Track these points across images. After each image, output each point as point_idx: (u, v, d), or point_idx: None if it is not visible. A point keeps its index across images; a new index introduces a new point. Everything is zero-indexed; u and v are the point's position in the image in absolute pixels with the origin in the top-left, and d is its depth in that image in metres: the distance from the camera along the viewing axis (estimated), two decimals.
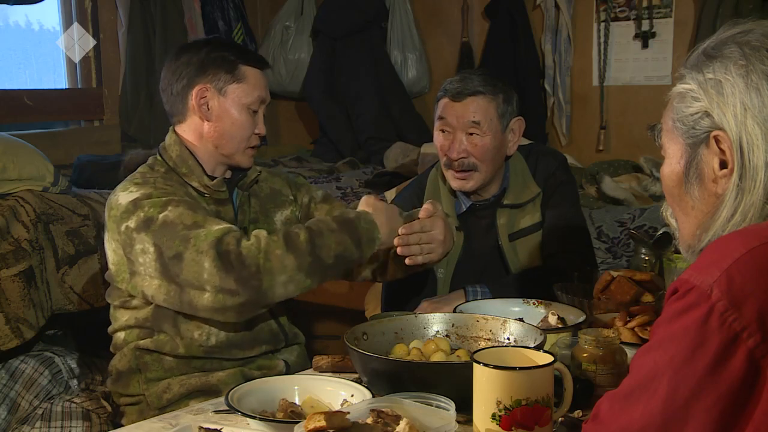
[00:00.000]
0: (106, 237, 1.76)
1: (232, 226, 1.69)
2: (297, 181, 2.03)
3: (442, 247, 1.80)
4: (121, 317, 1.82)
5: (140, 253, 1.67)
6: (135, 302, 1.78)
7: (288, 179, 2.02)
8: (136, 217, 1.67)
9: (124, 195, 1.72)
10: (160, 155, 1.85)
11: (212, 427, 1.18)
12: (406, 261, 1.78)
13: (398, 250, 1.77)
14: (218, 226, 1.65)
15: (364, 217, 1.74)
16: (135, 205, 1.69)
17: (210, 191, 1.81)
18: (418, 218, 1.80)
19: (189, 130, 1.84)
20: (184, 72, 1.81)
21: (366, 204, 1.80)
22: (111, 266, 1.77)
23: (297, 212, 1.97)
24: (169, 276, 1.64)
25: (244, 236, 1.66)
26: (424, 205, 1.81)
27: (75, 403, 2.45)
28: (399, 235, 1.77)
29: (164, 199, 1.69)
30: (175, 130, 1.86)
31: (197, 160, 1.82)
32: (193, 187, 1.80)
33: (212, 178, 1.82)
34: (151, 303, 1.75)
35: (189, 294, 1.62)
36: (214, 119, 1.81)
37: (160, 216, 1.65)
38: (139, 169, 1.84)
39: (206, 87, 1.80)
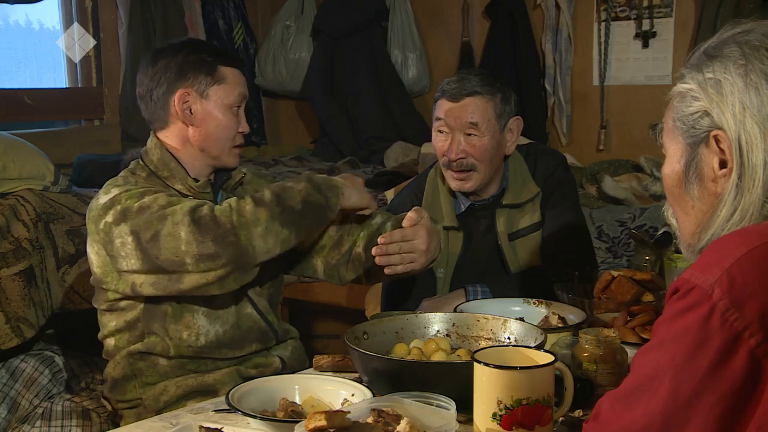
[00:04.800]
0: (88, 241, 1.76)
1: (208, 201, 1.69)
2: None
3: (425, 256, 1.74)
4: (109, 322, 1.81)
5: (121, 247, 1.66)
6: (123, 304, 1.77)
7: (272, 182, 2.00)
8: (113, 211, 1.68)
9: (104, 197, 1.73)
10: (142, 159, 1.83)
11: (213, 426, 1.18)
12: (385, 271, 1.73)
13: (377, 260, 1.72)
14: (193, 202, 1.66)
15: (314, 173, 1.76)
16: (112, 201, 1.70)
17: (194, 192, 1.80)
18: (401, 227, 1.75)
19: (172, 135, 1.82)
20: (163, 78, 1.79)
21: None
22: (96, 270, 1.76)
23: None
24: (149, 260, 1.63)
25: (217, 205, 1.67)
26: (408, 214, 1.76)
27: (75, 402, 2.45)
28: (378, 244, 1.71)
29: (141, 190, 1.70)
30: (156, 135, 1.84)
31: (179, 163, 1.81)
32: (176, 190, 1.79)
33: (196, 180, 1.81)
34: (140, 304, 1.74)
35: (174, 275, 1.63)
36: (197, 123, 1.79)
37: (136, 204, 1.66)
38: (121, 173, 1.82)
39: (187, 91, 1.78)
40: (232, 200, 1.67)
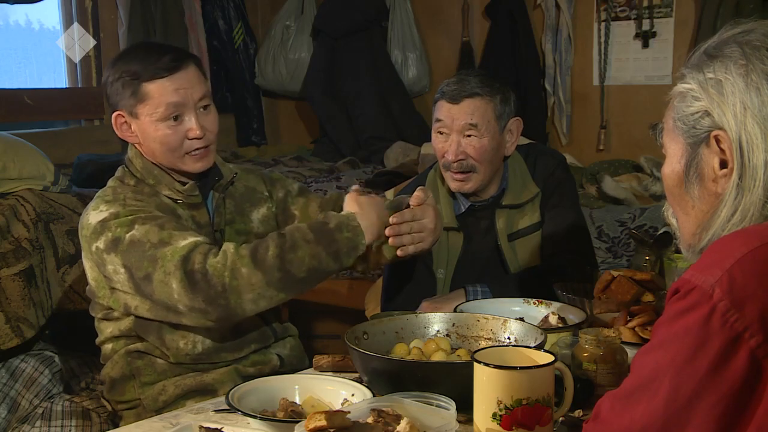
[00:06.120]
0: (83, 254, 1.76)
1: (199, 238, 1.65)
2: (272, 177, 1.99)
3: (433, 235, 1.77)
4: (105, 329, 1.81)
5: (113, 273, 1.67)
6: (116, 314, 1.78)
7: (263, 175, 1.98)
8: (104, 238, 1.67)
9: (94, 214, 1.71)
10: (127, 167, 1.81)
11: (213, 426, 1.18)
12: (398, 252, 1.74)
13: (390, 240, 1.73)
14: (185, 242, 1.62)
15: (347, 225, 1.65)
16: (103, 225, 1.68)
17: (183, 197, 1.78)
18: (408, 206, 1.77)
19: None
20: (106, 95, 1.77)
21: (352, 202, 1.73)
22: (91, 281, 1.77)
23: (273, 208, 1.93)
24: (143, 294, 1.65)
25: (213, 249, 1.62)
26: (415, 193, 1.78)
27: (75, 402, 2.45)
28: (390, 224, 1.73)
29: (131, 217, 1.67)
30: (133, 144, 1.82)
31: (162, 169, 1.78)
32: (165, 195, 1.78)
33: (183, 183, 1.79)
34: (132, 316, 1.74)
35: (169, 310, 1.64)
36: (140, 140, 1.77)
37: (127, 236, 1.64)
38: (109, 183, 1.80)
39: (120, 114, 1.76)
40: (230, 252, 1.60)
